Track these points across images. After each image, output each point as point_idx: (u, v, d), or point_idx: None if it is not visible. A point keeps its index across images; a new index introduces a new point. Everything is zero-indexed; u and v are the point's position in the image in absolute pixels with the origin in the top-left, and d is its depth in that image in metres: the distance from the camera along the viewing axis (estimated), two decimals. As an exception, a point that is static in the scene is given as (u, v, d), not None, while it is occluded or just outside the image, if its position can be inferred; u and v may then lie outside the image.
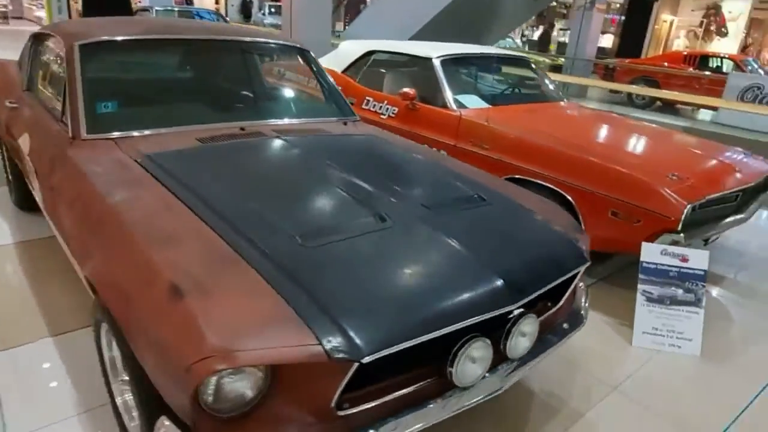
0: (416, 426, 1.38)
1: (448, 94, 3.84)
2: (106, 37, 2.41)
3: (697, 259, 2.62)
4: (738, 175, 3.07)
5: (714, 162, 3.17)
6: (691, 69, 11.12)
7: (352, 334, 1.23)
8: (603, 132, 3.57)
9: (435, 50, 4.11)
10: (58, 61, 2.49)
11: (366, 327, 1.26)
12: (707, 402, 2.27)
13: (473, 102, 3.93)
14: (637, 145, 3.38)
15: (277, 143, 2.29)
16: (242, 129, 2.41)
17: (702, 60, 10.87)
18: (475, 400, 1.52)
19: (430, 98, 3.93)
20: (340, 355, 1.20)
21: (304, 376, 1.24)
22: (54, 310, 2.50)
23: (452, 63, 4.07)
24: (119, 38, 2.44)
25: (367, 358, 1.20)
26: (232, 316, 1.23)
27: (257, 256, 1.42)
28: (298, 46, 3.03)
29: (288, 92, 3.16)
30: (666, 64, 11.34)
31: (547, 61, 12.97)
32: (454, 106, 3.77)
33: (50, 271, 2.80)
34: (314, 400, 1.28)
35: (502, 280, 1.51)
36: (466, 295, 1.43)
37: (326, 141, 2.45)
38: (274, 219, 1.63)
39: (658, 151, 3.34)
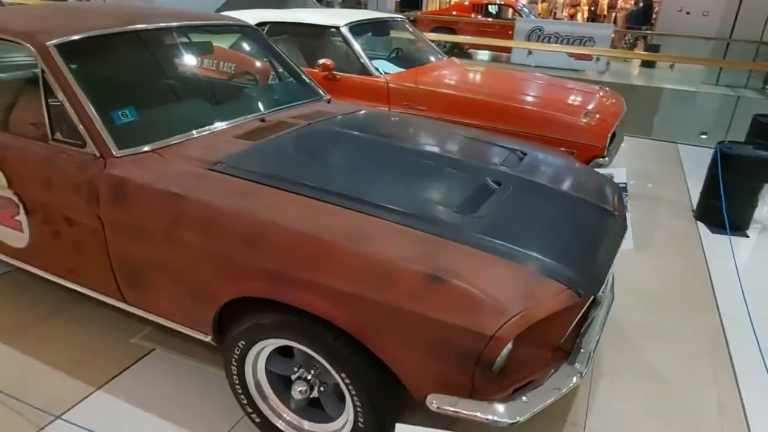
0: (596, 336, 1.70)
1: (367, 62, 3.99)
2: (85, 34, 2.04)
3: (620, 174, 3.36)
4: (619, 106, 3.93)
5: (601, 98, 3.98)
6: (479, 16, 12.71)
7: (580, 275, 1.49)
8: (514, 84, 4.14)
9: (336, 18, 4.17)
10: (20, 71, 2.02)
11: (581, 268, 1.53)
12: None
13: (387, 67, 4.14)
14: (546, 91, 4.02)
15: (323, 129, 2.26)
16: (263, 120, 2.31)
17: (486, 7, 12.47)
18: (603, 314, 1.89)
19: (346, 68, 4.03)
20: (584, 293, 1.46)
21: (547, 321, 1.46)
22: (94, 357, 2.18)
23: (358, 30, 4.19)
24: (99, 33, 2.08)
25: (599, 292, 1.49)
26: (495, 286, 1.38)
27: (451, 233, 1.55)
28: (245, 24, 2.87)
29: (269, 78, 2.96)
30: (455, 12, 12.74)
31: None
32: (376, 73, 3.95)
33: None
34: (548, 341, 1.52)
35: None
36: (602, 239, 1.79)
37: (362, 121, 2.48)
38: (415, 198, 1.73)
39: (563, 94, 4.02)
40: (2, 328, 2.38)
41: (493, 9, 12.23)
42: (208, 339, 1.86)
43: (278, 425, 1.80)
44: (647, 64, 12.44)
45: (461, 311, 1.34)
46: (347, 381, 1.55)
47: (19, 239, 2.11)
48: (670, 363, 2.37)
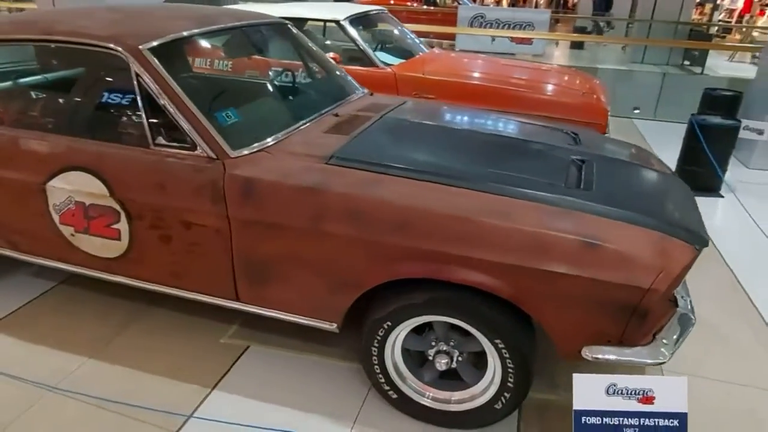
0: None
1: (371, 53, 4.09)
2: (172, 36, 2.03)
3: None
4: (601, 85, 4.29)
5: (586, 79, 4.32)
6: (415, 4, 12.96)
7: (692, 232, 1.73)
8: (509, 70, 4.38)
9: (335, 12, 4.22)
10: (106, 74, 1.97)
11: (689, 226, 1.77)
12: None
13: (388, 58, 4.26)
14: (539, 76, 4.30)
15: (399, 120, 2.38)
16: (336, 115, 2.38)
17: (425, -4, 12.73)
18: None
19: (349, 60, 4.11)
20: (699, 247, 1.70)
21: (680, 274, 1.67)
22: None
23: (356, 23, 4.26)
24: (187, 34, 2.07)
25: (707, 245, 1.74)
26: (639, 248, 1.58)
27: (578, 205, 1.73)
28: (279, 22, 2.89)
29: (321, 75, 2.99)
30: (392, 2, 12.89)
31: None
32: (380, 64, 4.06)
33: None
34: (672, 290, 1.74)
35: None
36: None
37: (423, 110, 2.61)
38: (524, 177, 1.89)
39: (555, 77, 4.31)
40: (81, 343, 2.32)
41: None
42: (332, 327, 1.95)
43: (415, 398, 1.93)
44: (577, 46, 13.26)
45: (618, 270, 1.54)
46: (501, 345, 1.71)
47: (112, 248, 2.07)
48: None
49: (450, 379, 1.94)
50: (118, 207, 1.96)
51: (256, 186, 1.81)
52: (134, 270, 2.12)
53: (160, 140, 1.94)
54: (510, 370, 1.75)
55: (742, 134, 4.25)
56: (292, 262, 1.84)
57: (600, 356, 1.62)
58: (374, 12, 4.83)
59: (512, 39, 10.63)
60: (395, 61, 4.25)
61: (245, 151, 1.91)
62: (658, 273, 1.54)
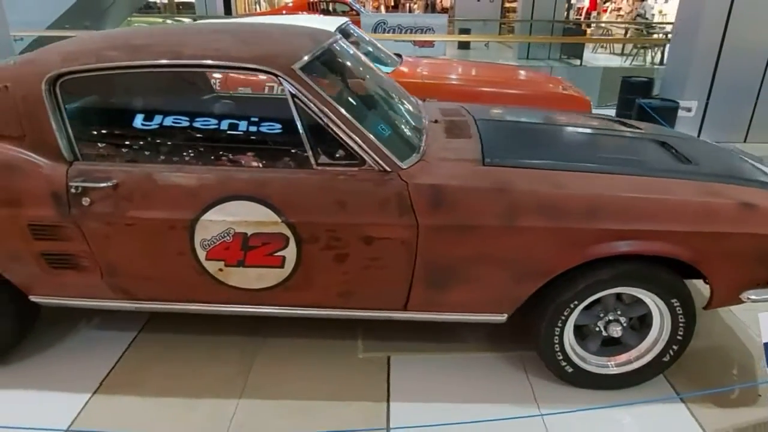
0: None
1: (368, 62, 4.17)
2: (311, 53, 2.00)
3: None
4: (567, 81, 4.81)
5: (553, 77, 4.80)
6: (305, 13, 13.03)
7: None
8: (494, 71, 4.70)
9: (324, 24, 4.23)
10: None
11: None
12: None
13: (380, 66, 4.36)
14: (521, 75, 4.68)
15: (503, 121, 2.56)
16: (435, 121, 2.48)
17: (323, 4, 12.83)
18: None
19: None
20: None
21: None
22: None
23: (343, 34, 4.31)
24: (320, 51, 2.05)
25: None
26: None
27: (707, 178, 2.04)
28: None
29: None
30: (284, 12, 12.87)
31: (183, 21, 12.58)
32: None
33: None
34: None
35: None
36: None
37: (504, 112, 2.82)
38: (645, 161, 2.18)
39: (536, 76, 4.70)
40: (214, 386, 2.16)
41: (331, 6, 12.67)
42: (502, 319, 2.08)
43: (587, 368, 2.12)
44: (464, 46, 14.26)
45: None
46: (677, 304, 1.97)
47: (269, 278, 1.98)
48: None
49: (606, 346, 2.16)
50: (287, 232, 1.89)
51: (443, 193, 1.87)
52: (291, 297, 2.04)
53: (324, 159, 1.91)
54: (681, 325, 2.02)
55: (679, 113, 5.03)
56: (479, 260, 1.93)
57: (761, 297, 1.95)
58: (344, 24, 4.89)
59: (415, 42, 11.18)
60: (385, 69, 4.37)
61: (411, 161, 1.96)
62: None
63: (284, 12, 13.38)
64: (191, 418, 2.02)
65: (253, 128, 2.01)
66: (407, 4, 21.93)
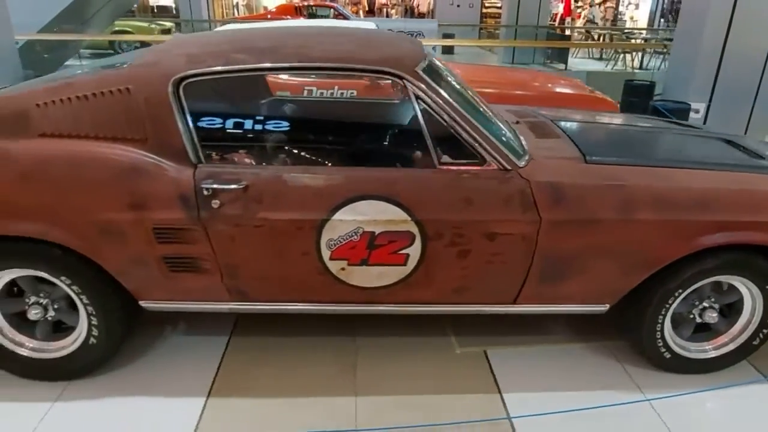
0: None
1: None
2: (423, 56, 2.06)
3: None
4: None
5: (575, 80, 4.97)
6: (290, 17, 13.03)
7: None
8: (528, 76, 4.83)
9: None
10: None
11: None
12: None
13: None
14: (546, 80, 4.83)
15: (573, 119, 2.67)
16: (517, 122, 2.57)
17: (308, 9, 12.85)
18: None
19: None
20: None
21: None
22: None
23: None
24: (425, 52, 2.11)
25: None
26: None
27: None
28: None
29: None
30: (269, 17, 12.85)
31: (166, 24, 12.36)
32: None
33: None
34: None
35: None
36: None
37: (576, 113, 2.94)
38: (723, 156, 2.33)
39: (563, 81, 4.86)
40: (325, 385, 2.18)
41: (323, 12, 12.71)
42: (603, 309, 2.18)
43: (684, 354, 2.24)
44: (448, 51, 14.48)
45: None
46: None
47: (390, 275, 2.02)
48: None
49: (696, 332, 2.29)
50: (415, 230, 1.94)
51: (563, 189, 1.96)
52: (408, 294, 2.08)
53: (445, 158, 1.97)
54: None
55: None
56: (593, 253, 2.02)
57: None
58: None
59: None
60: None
61: (526, 159, 2.04)
62: None
63: (269, 17, 13.33)
64: (310, 416, 2.04)
65: (374, 129, 2.05)
66: (383, 9, 22.11)
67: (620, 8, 18.01)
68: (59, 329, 2.16)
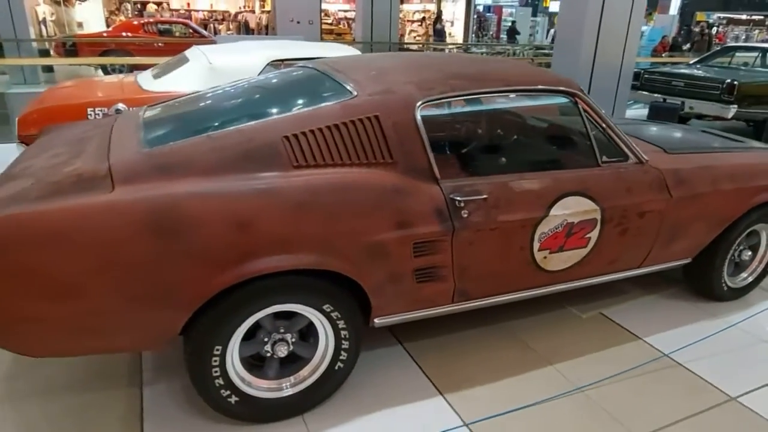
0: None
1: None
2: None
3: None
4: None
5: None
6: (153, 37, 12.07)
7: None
8: None
9: (331, 51, 4.53)
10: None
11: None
12: None
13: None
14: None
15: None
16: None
17: (158, 25, 11.98)
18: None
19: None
20: None
21: None
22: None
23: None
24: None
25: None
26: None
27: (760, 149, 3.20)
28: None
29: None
30: (125, 33, 11.73)
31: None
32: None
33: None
34: None
35: None
36: None
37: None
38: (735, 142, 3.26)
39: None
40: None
41: (177, 29, 11.90)
42: (688, 261, 2.91)
43: (733, 286, 3.07)
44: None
45: None
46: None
47: (573, 258, 2.44)
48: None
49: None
50: (598, 216, 2.40)
51: (681, 173, 2.63)
52: (579, 272, 2.52)
53: (604, 158, 2.48)
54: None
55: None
56: (695, 219, 2.71)
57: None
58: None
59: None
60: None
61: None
62: None
63: (104, 34, 12.11)
64: (533, 388, 2.36)
65: (563, 137, 2.46)
66: (211, 25, 21.33)
67: (437, 25, 20.30)
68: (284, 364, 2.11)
